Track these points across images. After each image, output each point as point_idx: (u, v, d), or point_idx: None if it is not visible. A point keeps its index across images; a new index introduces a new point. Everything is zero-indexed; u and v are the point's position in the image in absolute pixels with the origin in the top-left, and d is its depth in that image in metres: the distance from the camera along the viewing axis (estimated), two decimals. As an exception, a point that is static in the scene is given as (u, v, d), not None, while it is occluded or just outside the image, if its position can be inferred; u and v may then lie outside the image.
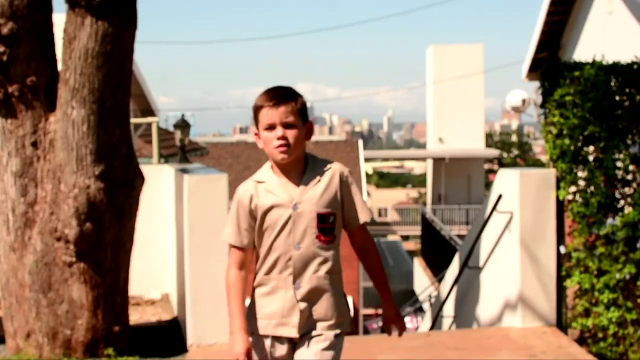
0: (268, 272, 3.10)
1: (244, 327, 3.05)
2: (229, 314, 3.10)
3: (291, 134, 3.02)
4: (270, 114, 3.02)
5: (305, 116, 3.09)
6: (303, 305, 3.06)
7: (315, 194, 3.06)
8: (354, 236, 3.23)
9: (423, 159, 40.76)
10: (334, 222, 3.09)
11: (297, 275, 3.06)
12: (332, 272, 3.09)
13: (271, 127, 3.03)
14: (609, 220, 6.17)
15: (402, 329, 3.29)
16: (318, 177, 3.09)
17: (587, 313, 6.35)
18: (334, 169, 3.13)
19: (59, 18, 6.16)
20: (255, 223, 3.10)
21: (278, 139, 3.01)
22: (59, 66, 6.00)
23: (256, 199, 3.10)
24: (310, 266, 3.06)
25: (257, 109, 3.07)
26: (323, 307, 3.09)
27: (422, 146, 79.57)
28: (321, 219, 3.06)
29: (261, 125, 3.06)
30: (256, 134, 3.13)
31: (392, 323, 3.28)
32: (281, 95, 3.04)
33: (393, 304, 3.29)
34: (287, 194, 3.06)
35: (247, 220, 3.11)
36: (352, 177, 3.16)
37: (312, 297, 3.07)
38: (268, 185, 3.10)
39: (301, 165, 3.11)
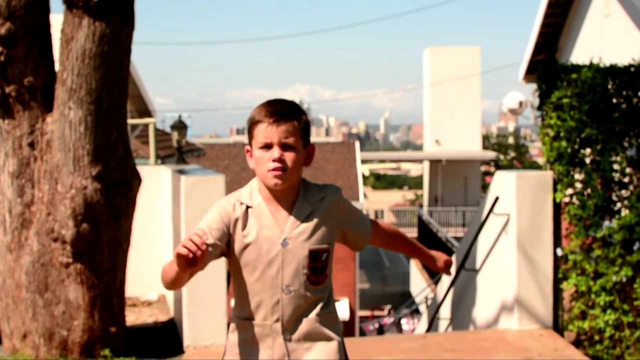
0: (249, 317, 2.67)
1: None
2: (169, 271, 2.51)
3: (290, 157, 2.59)
4: (269, 132, 2.58)
5: (307, 138, 2.67)
6: (294, 355, 2.66)
7: (307, 229, 2.65)
8: (374, 241, 2.97)
9: (420, 161, 40.78)
10: (327, 259, 2.69)
11: (286, 322, 2.64)
12: (325, 313, 2.71)
13: (267, 147, 2.59)
14: (606, 223, 6.18)
15: (448, 264, 3.14)
16: (310, 209, 2.68)
17: (583, 315, 6.35)
18: (328, 198, 2.73)
19: (57, 18, 6.16)
20: (221, 248, 2.63)
21: (274, 161, 2.58)
22: (57, 67, 6.00)
23: (240, 226, 2.65)
24: (301, 311, 2.65)
25: (253, 124, 2.63)
26: (318, 354, 2.68)
27: (419, 148, 79.62)
28: (313, 257, 2.64)
29: (256, 142, 2.62)
30: (248, 151, 2.69)
31: (444, 266, 3.13)
32: (284, 111, 2.61)
33: (431, 253, 3.14)
34: (277, 227, 2.64)
35: (219, 241, 2.62)
36: (344, 196, 2.81)
37: (304, 345, 2.67)
38: (255, 212, 2.66)
39: (294, 193, 2.69)
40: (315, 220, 2.67)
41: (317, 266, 2.66)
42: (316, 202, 2.70)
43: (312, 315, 2.67)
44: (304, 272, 2.63)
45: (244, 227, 2.64)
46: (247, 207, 2.66)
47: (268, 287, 2.62)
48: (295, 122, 2.62)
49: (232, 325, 2.73)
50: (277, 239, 2.62)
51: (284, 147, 2.59)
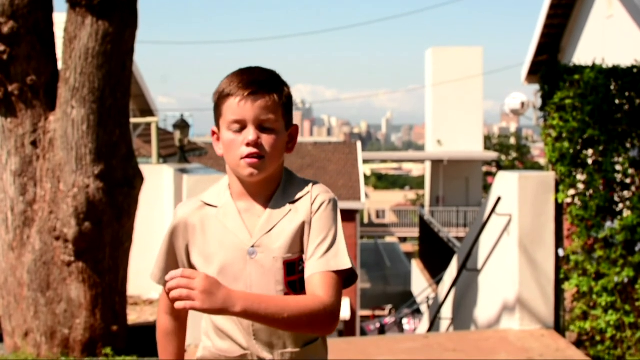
0: (220, 348, 2.12)
1: None
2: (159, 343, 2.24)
3: (268, 140, 2.03)
4: (242, 108, 2.02)
5: (289, 117, 2.11)
6: None
7: (281, 233, 2.06)
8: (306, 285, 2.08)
9: (421, 161, 40.78)
10: (303, 269, 2.08)
11: (264, 352, 2.07)
12: (311, 340, 2.12)
13: (239, 127, 2.04)
14: (608, 224, 6.18)
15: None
16: (289, 207, 2.09)
17: (585, 316, 6.35)
18: (311, 196, 2.10)
19: (60, 17, 6.17)
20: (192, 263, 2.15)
21: (248, 144, 2.02)
22: (59, 65, 6.00)
23: (199, 232, 2.11)
24: (281, 338, 2.07)
25: (221, 98, 2.06)
26: None
27: (421, 148, 79.55)
28: (289, 269, 2.06)
29: (224, 121, 2.06)
30: (214, 133, 2.14)
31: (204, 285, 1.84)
32: (261, 82, 2.04)
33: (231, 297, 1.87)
34: (245, 230, 2.07)
35: (181, 258, 2.14)
36: (332, 207, 2.09)
37: None
38: (220, 214, 2.10)
39: (273, 186, 2.11)
40: (292, 223, 2.07)
41: (295, 279, 2.07)
42: (297, 200, 2.10)
43: (295, 343, 2.09)
44: (280, 290, 2.05)
45: (204, 235, 2.11)
46: (214, 207, 2.12)
47: None
48: (275, 95, 2.05)
49: (203, 355, 2.18)
50: (244, 246, 2.06)
51: (261, 127, 2.04)
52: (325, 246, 2.05)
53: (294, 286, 2.06)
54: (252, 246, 2.05)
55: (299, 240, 2.06)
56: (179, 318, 2.21)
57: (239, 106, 2.02)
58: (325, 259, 2.03)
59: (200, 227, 2.11)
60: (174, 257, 2.15)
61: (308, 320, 1.95)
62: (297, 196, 2.09)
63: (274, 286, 2.04)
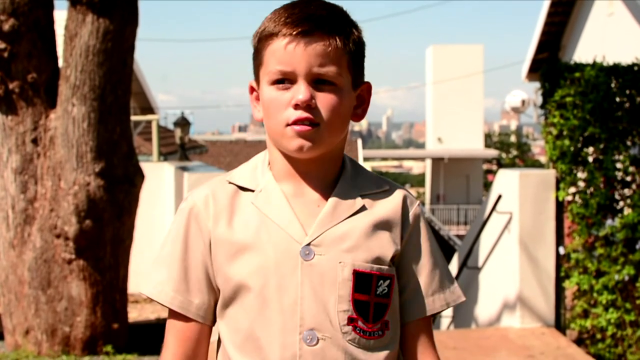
0: None
1: None
2: None
3: (326, 101, 1.43)
4: (290, 54, 1.42)
5: (359, 70, 1.52)
6: None
7: (352, 232, 1.47)
8: (405, 336, 1.55)
9: (422, 159, 40.80)
10: (389, 293, 1.48)
11: None
12: None
13: (286, 80, 1.44)
14: (609, 222, 6.18)
15: None
16: (362, 202, 1.50)
17: (585, 314, 6.36)
18: (397, 196, 1.54)
19: (60, 15, 6.17)
20: (215, 271, 1.50)
21: (297, 106, 1.42)
22: (60, 63, 6.01)
23: (226, 223, 1.49)
24: None
25: (262, 40, 1.47)
26: None
27: (421, 146, 79.51)
28: (360, 282, 1.45)
29: (265, 72, 1.47)
30: (253, 90, 1.56)
31: None
32: (319, 18, 1.44)
33: None
34: (296, 222, 1.47)
35: (204, 262, 1.50)
36: (425, 217, 1.60)
37: None
38: (260, 199, 1.49)
39: (333, 169, 1.52)
40: (369, 223, 1.49)
41: (369, 302, 1.46)
42: (374, 193, 1.53)
43: None
44: (344, 310, 1.44)
45: (234, 227, 1.48)
46: (250, 191, 1.52)
47: (277, 330, 1.44)
48: (337, 38, 1.44)
49: None
50: (295, 244, 1.45)
51: (317, 82, 1.44)
52: (435, 276, 1.56)
53: (365, 311, 1.45)
54: (308, 244, 1.45)
55: (379, 249, 1.48)
56: None
57: (286, 51, 1.42)
58: (438, 298, 1.56)
59: (227, 217, 1.49)
60: (203, 254, 1.51)
61: None
62: (371, 190, 1.53)
63: (334, 304, 1.43)
